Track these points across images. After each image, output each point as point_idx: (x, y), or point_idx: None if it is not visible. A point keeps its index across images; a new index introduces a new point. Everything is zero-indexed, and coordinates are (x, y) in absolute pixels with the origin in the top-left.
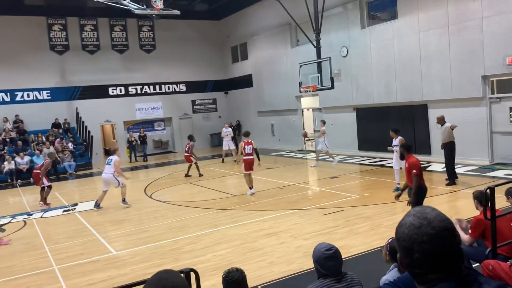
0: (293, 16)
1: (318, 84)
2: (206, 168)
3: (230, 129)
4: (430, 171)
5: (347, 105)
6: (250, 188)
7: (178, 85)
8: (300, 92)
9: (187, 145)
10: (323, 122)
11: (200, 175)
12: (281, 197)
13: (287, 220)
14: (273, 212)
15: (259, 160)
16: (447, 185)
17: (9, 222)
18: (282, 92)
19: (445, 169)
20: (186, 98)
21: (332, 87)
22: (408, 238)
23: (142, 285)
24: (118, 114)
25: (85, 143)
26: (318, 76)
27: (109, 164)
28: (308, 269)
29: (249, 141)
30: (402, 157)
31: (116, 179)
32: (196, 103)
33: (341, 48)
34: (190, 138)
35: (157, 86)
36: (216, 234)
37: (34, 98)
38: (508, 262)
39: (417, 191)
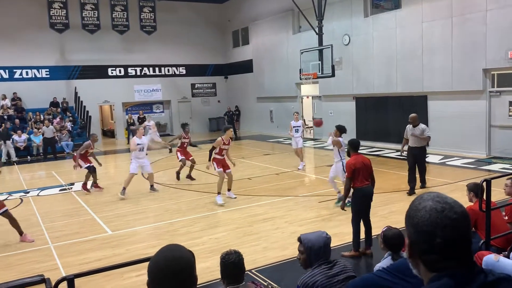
0: (296, 2)
1: (319, 72)
2: (204, 152)
3: (152, 123)
4: (427, 162)
5: (347, 94)
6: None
7: (178, 68)
8: (301, 79)
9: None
10: (297, 113)
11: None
12: (277, 184)
13: (283, 206)
14: (269, 198)
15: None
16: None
17: (6, 199)
18: (282, 78)
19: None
20: (185, 82)
21: (333, 75)
22: (430, 222)
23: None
24: (117, 95)
25: (83, 123)
26: (319, 64)
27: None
28: None
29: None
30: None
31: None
32: (196, 86)
33: (343, 36)
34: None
35: (156, 68)
36: (212, 218)
37: (33, 76)
38: (501, 254)
39: (352, 196)
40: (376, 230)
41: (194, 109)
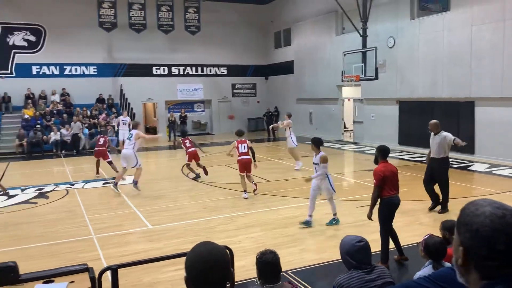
0: (340, 3)
1: (362, 74)
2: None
3: (128, 118)
4: (472, 171)
5: (390, 97)
6: (244, 191)
7: (219, 68)
8: (342, 81)
9: (187, 141)
10: (289, 116)
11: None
12: None
13: (320, 209)
14: (306, 200)
15: (255, 161)
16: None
17: (53, 190)
18: (323, 80)
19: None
20: (226, 82)
21: (376, 78)
22: (490, 228)
23: (182, 257)
24: (160, 93)
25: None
26: (362, 66)
27: (129, 139)
28: (340, 259)
29: (243, 139)
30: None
31: (136, 157)
32: (236, 87)
33: (388, 38)
34: (184, 134)
35: (199, 68)
36: (248, 217)
37: (82, 73)
38: None
39: (379, 206)
40: (416, 238)
41: (233, 109)
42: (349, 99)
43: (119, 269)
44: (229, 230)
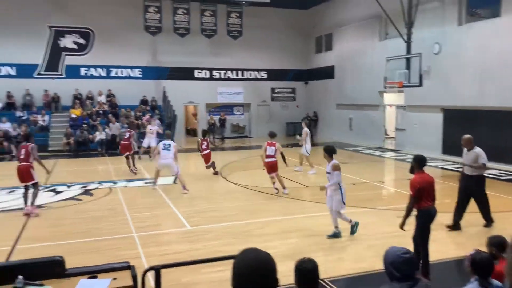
0: (385, 8)
1: (405, 81)
2: (279, 156)
3: (156, 127)
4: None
5: (434, 105)
6: (284, 188)
7: (259, 72)
8: (385, 87)
9: (205, 142)
10: (305, 123)
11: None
12: (354, 194)
13: (359, 217)
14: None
15: (286, 163)
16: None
17: (97, 188)
18: (364, 86)
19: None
20: (266, 86)
21: (420, 84)
22: None
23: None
24: (201, 96)
25: (170, 122)
26: (405, 72)
27: (168, 150)
28: (379, 270)
29: (273, 142)
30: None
31: (176, 165)
32: (276, 91)
33: (433, 44)
34: (204, 134)
35: (239, 72)
36: (285, 223)
37: (127, 75)
38: None
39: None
40: (459, 252)
41: (272, 112)
42: (391, 106)
43: (156, 270)
44: (265, 234)
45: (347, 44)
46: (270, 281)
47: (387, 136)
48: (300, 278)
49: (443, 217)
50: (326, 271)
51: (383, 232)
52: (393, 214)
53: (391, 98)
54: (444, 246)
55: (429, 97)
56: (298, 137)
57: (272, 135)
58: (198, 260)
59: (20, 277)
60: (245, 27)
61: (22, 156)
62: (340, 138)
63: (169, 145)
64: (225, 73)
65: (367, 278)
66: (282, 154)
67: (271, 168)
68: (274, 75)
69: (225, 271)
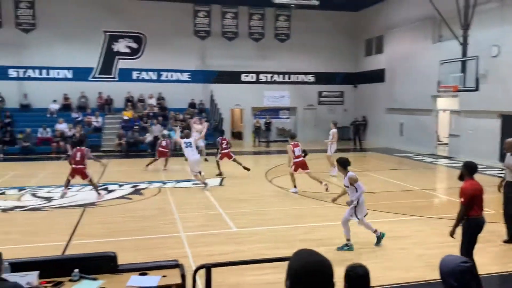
0: (439, 9)
1: (460, 85)
2: (326, 161)
3: (192, 139)
4: None
5: (491, 110)
6: (294, 186)
7: (306, 75)
8: (438, 91)
9: (225, 141)
10: (334, 124)
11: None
12: (404, 201)
13: (409, 226)
14: (394, 216)
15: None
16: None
17: (147, 187)
18: (416, 90)
19: None
20: (313, 89)
21: (477, 89)
22: None
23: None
24: (248, 99)
25: (216, 124)
26: (460, 76)
27: (191, 147)
28: (429, 280)
29: (297, 143)
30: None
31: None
32: (323, 94)
33: (491, 47)
34: (223, 133)
35: (286, 76)
36: (332, 229)
37: (176, 79)
38: None
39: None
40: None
41: (319, 116)
42: (444, 111)
43: (207, 269)
44: (311, 239)
45: (399, 46)
46: (327, 284)
47: (439, 143)
48: (350, 284)
49: (499, 228)
50: (374, 279)
51: (434, 242)
52: (445, 223)
53: (445, 103)
54: (500, 259)
55: (485, 102)
56: (326, 140)
57: (293, 136)
58: (249, 261)
59: (76, 270)
60: (292, 30)
61: (78, 159)
62: (389, 144)
63: (190, 142)
64: (271, 77)
65: None
66: (305, 151)
67: (301, 167)
68: (321, 78)
69: (270, 274)
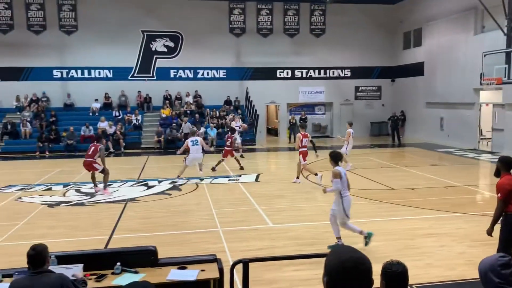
0: None
1: (505, 77)
2: (363, 157)
3: (239, 124)
4: None
5: None
6: (297, 177)
7: (343, 70)
8: (481, 84)
9: (229, 138)
10: (350, 124)
11: (242, 168)
12: (445, 198)
13: (450, 223)
14: (434, 212)
15: (316, 152)
16: None
17: (185, 183)
18: (457, 83)
19: None
20: (349, 84)
21: None
22: None
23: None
24: (283, 96)
25: (251, 121)
26: (505, 68)
27: (198, 145)
28: (472, 279)
29: (306, 133)
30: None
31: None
32: (360, 89)
33: None
34: (233, 131)
35: (322, 71)
36: (370, 225)
37: (212, 76)
38: None
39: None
40: None
41: (356, 112)
42: (487, 104)
43: (244, 264)
44: (348, 236)
45: (439, 39)
46: (366, 282)
47: (482, 137)
48: (388, 282)
49: None
50: (412, 277)
51: (475, 239)
52: (487, 220)
53: (488, 96)
54: None
55: None
56: (339, 136)
57: (303, 126)
58: (286, 256)
59: (118, 263)
60: (328, 24)
61: (90, 152)
62: (429, 139)
63: (197, 140)
64: (307, 72)
65: (455, 287)
66: (313, 143)
67: (305, 156)
68: (358, 73)
69: (306, 270)
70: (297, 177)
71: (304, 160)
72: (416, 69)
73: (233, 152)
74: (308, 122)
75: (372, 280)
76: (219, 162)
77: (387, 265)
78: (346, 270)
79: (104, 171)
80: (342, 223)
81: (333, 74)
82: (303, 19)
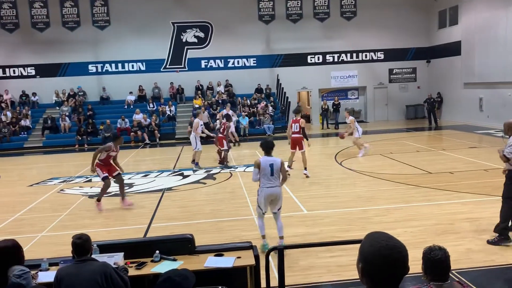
0: None
1: None
2: (399, 141)
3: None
4: None
5: None
6: (288, 167)
7: (376, 53)
8: None
9: (223, 125)
10: (349, 112)
11: (222, 163)
12: (486, 181)
13: (492, 207)
14: (474, 196)
15: (307, 140)
16: None
17: (219, 172)
18: (497, 61)
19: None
20: (383, 67)
21: None
22: None
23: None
24: (314, 81)
25: (283, 108)
26: None
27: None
28: None
29: (298, 118)
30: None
31: (195, 141)
32: (394, 72)
33: None
34: (227, 118)
35: (354, 54)
36: (407, 210)
37: (243, 65)
38: None
39: None
40: None
41: (390, 95)
42: None
43: (279, 250)
44: (386, 222)
45: (476, 15)
46: (402, 269)
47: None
48: (429, 266)
49: None
50: (454, 262)
51: None
52: None
53: None
54: None
55: None
56: (348, 120)
57: (297, 111)
58: (321, 243)
59: (157, 251)
60: (359, 6)
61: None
62: (468, 120)
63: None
64: (338, 56)
65: (499, 272)
66: (303, 130)
67: (295, 143)
68: (391, 55)
69: (341, 256)
70: (289, 166)
71: (293, 148)
72: (453, 49)
73: (223, 142)
74: (341, 107)
75: (408, 267)
76: (220, 154)
77: (428, 250)
78: (382, 256)
79: (105, 182)
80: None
81: (366, 57)
82: (334, 2)
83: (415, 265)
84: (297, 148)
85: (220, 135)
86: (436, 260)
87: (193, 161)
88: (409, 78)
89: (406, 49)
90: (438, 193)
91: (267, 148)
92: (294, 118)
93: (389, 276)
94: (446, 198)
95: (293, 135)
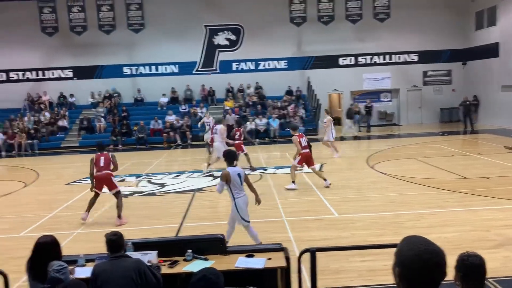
0: None
1: None
2: (433, 145)
3: (211, 119)
4: None
5: None
6: (292, 182)
7: (409, 55)
8: None
9: (237, 132)
10: (327, 111)
11: (252, 168)
12: None
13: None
14: None
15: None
16: None
17: (249, 173)
18: None
19: None
20: (416, 69)
21: None
22: None
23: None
24: (346, 84)
25: (314, 111)
26: None
27: (216, 134)
28: None
29: (301, 133)
30: None
31: (224, 147)
32: (428, 74)
33: None
34: (239, 124)
35: (387, 56)
36: (442, 215)
37: (273, 67)
38: None
39: None
40: None
41: (424, 98)
42: None
43: (312, 253)
44: (419, 227)
45: None
46: (440, 274)
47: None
48: (464, 273)
49: None
50: (490, 270)
51: None
52: None
53: None
54: None
55: None
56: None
57: (295, 127)
58: (355, 246)
59: (189, 250)
60: (393, 8)
61: (101, 165)
62: (506, 124)
63: (216, 128)
64: (371, 58)
65: None
66: (309, 144)
67: (309, 159)
68: (426, 57)
69: (373, 261)
70: (293, 182)
71: (301, 163)
72: (490, 51)
73: (242, 146)
74: (373, 110)
75: (446, 273)
76: (247, 157)
77: (463, 257)
78: (421, 261)
79: (119, 192)
80: (245, 227)
81: (399, 59)
82: (366, 3)
83: (450, 272)
84: (306, 163)
85: (237, 142)
86: (473, 266)
87: (209, 165)
88: (444, 80)
89: (440, 51)
90: (474, 198)
91: (232, 159)
92: (298, 134)
93: (429, 280)
94: (482, 204)
95: (304, 150)
